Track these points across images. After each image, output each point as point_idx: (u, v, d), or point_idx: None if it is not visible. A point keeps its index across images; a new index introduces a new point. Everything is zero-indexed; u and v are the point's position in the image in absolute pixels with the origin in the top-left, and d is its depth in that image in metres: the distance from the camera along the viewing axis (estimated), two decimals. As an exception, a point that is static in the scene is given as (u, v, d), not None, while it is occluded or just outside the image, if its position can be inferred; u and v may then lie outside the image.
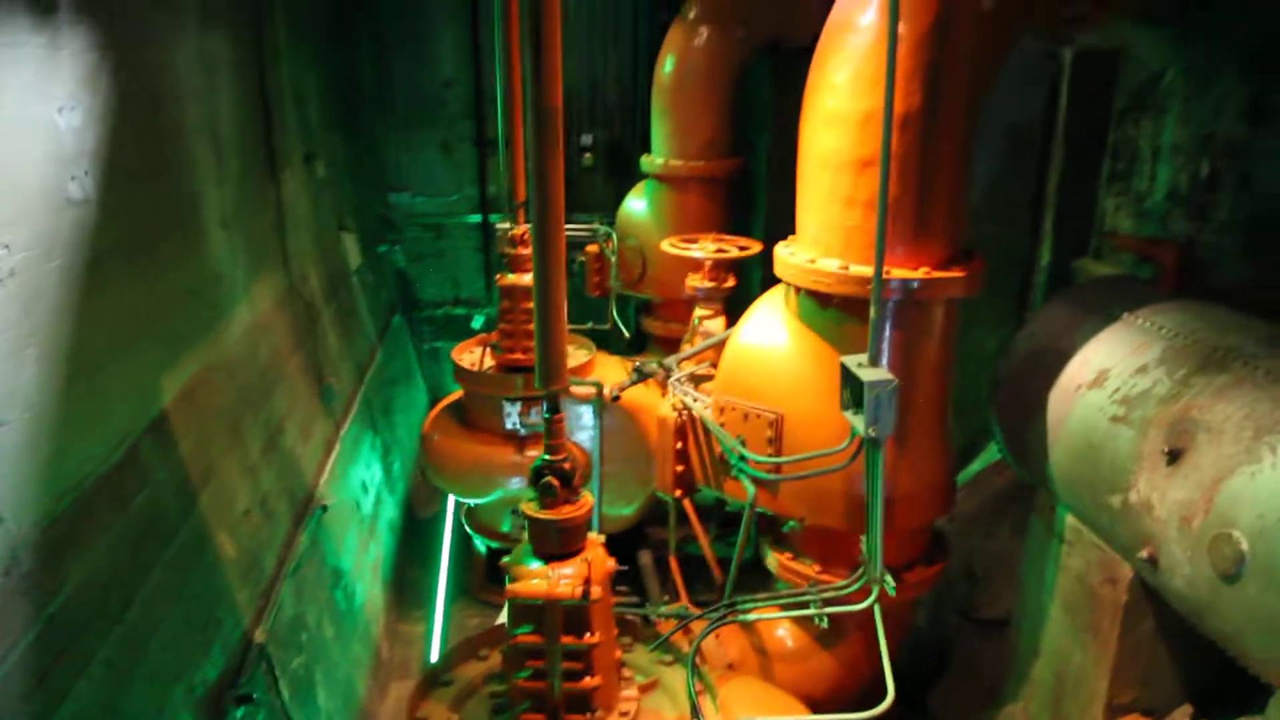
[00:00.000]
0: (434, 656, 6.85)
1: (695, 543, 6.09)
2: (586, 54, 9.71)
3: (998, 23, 3.80)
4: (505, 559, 3.31)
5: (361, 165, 9.48)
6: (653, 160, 7.88)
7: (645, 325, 8.55)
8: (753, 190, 8.38)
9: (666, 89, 7.64)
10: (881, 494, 3.63)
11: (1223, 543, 3.11)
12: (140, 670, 3.61)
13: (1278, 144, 4.20)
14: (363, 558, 6.77)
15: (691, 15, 7.45)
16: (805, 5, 6.14)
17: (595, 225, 8.27)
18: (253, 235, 5.83)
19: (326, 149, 8.05)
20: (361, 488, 7.24)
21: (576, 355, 6.94)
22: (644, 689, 3.66)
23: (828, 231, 4.07)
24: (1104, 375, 3.91)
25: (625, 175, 9.32)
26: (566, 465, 3.19)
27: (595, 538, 3.36)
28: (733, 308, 5.90)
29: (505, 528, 7.04)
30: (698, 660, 4.53)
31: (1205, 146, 4.62)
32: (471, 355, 6.95)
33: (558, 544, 3.21)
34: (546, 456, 3.20)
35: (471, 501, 7.13)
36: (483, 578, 7.69)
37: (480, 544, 7.57)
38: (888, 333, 4.06)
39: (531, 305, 6.05)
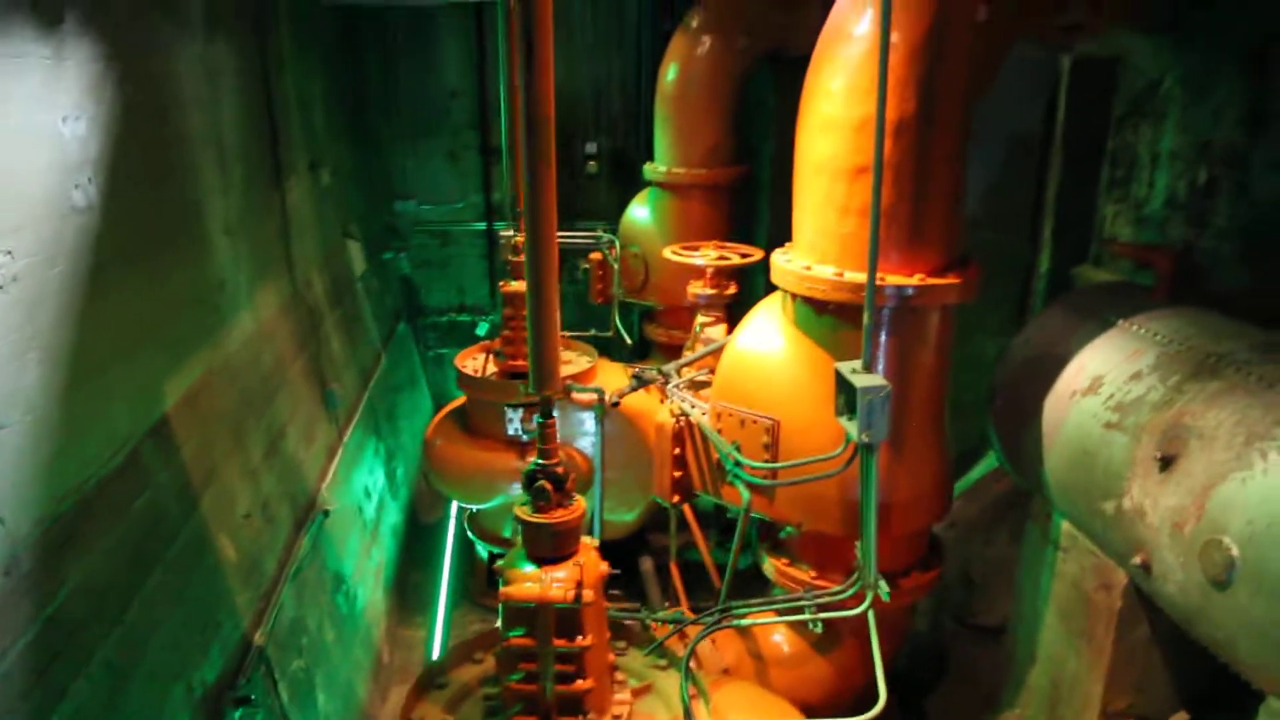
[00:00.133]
0: (435, 661, 6.88)
1: (696, 549, 6.11)
2: (591, 62, 9.78)
3: (992, 31, 3.82)
4: (499, 562, 3.33)
5: (367, 173, 9.56)
6: (655, 168, 7.92)
7: (648, 332, 8.58)
8: (756, 198, 8.42)
9: (669, 97, 7.69)
10: (875, 499, 3.64)
11: (1213, 549, 3.12)
12: (139, 670, 3.65)
13: (1275, 151, 4.21)
14: (365, 562, 6.80)
15: (694, 24, 7.50)
16: (807, 14, 6.18)
17: (598, 233, 8.32)
18: (257, 242, 5.89)
19: (332, 157, 8.12)
20: (364, 493, 7.28)
21: (578, 362, 6.98)
22: (638, 693, 3.68)
23: (823, 238, 4.10)
24: (1098, 382, 3.93)
25: (629, 183, 9.36)
26: (559, 469, 3.21)
27: (589, 542, 3.38)
28: (735, 315, 5.92)
29: (507, 533, 7.08)
30: (693, 665, 4.55)
31: (1203, 153, 4.63)
32: (475, 362, 6.99)
33: (550, 547, 3.23)
34: (539, 461, 3.23)
35: (474, 507, 7.16)
36: (484, 583, 7.72)
37: (482, 549, 7.60)
38: (883, 339, 4.08)
39: (533, 312, 6.14)
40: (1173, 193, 4.86)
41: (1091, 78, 5.33)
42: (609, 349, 7.83)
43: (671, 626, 4.17)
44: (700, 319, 6.39)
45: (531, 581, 3.18)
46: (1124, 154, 5.23)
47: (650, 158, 8.08)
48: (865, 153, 3.78)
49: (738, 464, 4.40)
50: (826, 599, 4.08)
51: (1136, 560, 3.53)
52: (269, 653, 4.67)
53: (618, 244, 8.14)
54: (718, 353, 5.15)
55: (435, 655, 6.99)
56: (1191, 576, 3.25)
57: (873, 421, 3.42)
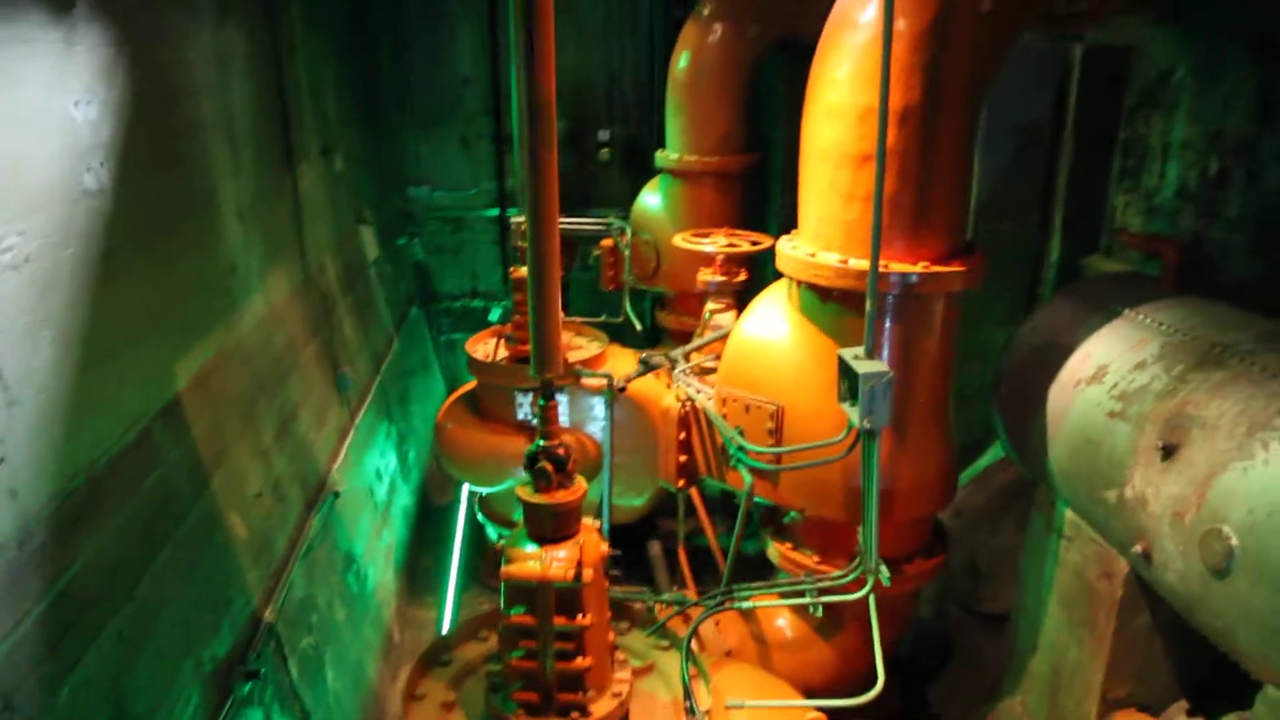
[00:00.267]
0: (444, 641, 6.96)
1: (705, 535, 6.15)
2: (603, 50, 9.77)
3: (997, 19, 3.81)
4: (501, 541, 3.38)
5: (381, 159, 9.60)
6: (667, 155, 7.93)
7: (660, 319, 8.62)
8: (769, 185, 8.41)
9: (681, 85, 7.69)
10: (877, 485, 3.67)
11: (1213, 538, 3.12)
12: (150, 644, 3.72)
13: (1287, 141, 4.19)
14: (375, 543, 6.88)
15: (706, 12, 7.49)
16: (818, 2, 6.15)
17: (610, 219, 8.34)
18: (268, 227, 5.94)
19: (344, 143, 8.16)
20: (375, 475, 7.35)
21: (589, 348, 7.01)
22: (639, 672, 3.73)
23: (828, 225, 4.11)
24: (1103, 371, 3.92)
25: (642, 170, 9.36)
26: (560, 451, 3.26)
27: (590, 523, 3.42)
28: (745, 302, 5.94)
29: (517, 516, 7.11)
30: (696, 647, 4.60)
31: (1214, 143, 4.60)
32: (485, 346, 7.04)
33: (551, 527, 3.28)
34: (541, 442, 3.27)
35: (484, 490, 7.22)
36: (493, 565, 7.73)
37: (492, 532, 7.66)
38: (887, 326, 4.10)
39: (544, 298, 6.18)
40: (1184, 183, 4.83)
41: (1103, 67, 5.30)
42: (621, 335, 7.85)
43: (674, 608, 4.22)
44: (710, 306, 6.41)
45: (532, 560, 3.23)
46: (1135, 144, 5.19)
47: (662, 145, 8.09)
48: (870, 140, 3.78)
49: (741, 449, 4.43)
50: (828, 583, 4.11)
51: (1137, 549, 3.54)
52: (279, 629, 4.75)
53: (629, 231, 8.16)
54: (725, 339, 5.18)
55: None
56: (1191, 565, 3.25)
57: (874, 408, 3.44)
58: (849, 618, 4.62)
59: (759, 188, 8.31)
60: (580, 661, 3.30)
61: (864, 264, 3.90)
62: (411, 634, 7.18)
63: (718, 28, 7.41)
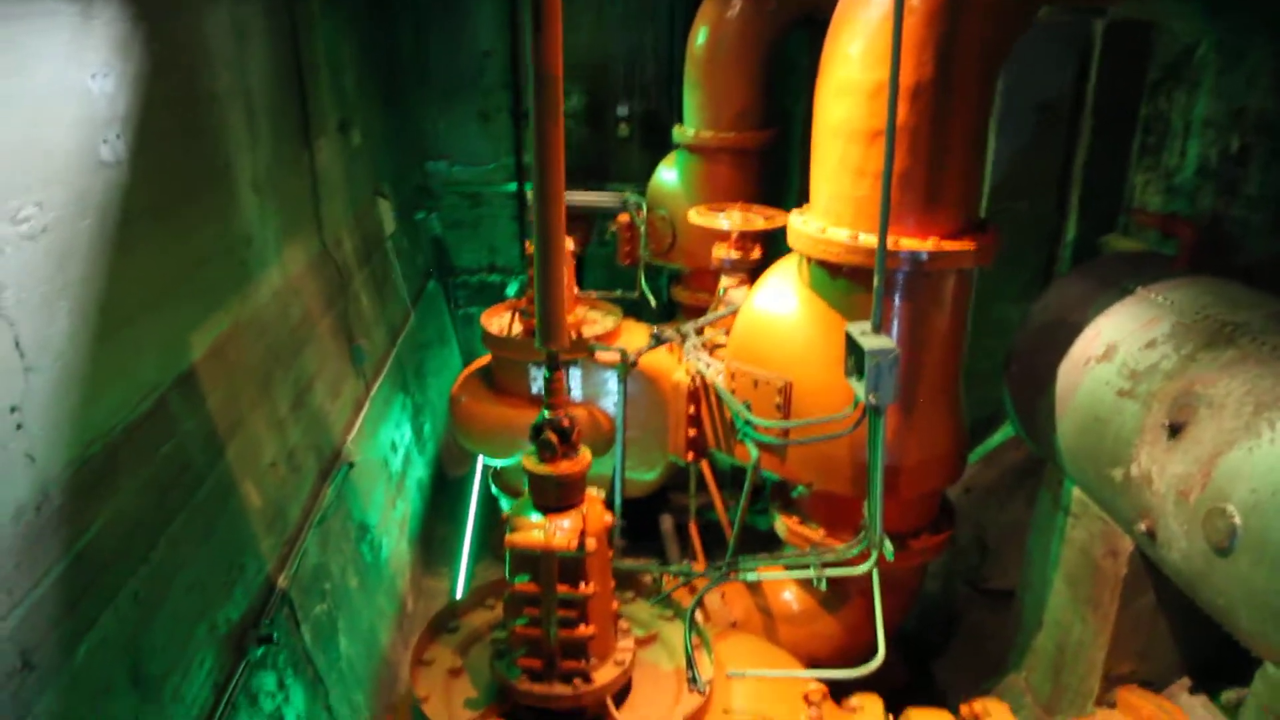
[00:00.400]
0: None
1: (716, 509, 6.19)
2: (624, 25, 9.73)
3: (1013, -8, 3.77)
4: (507, 510, 3.43)
5: (399, 133, 9.63)
6: (684, 131, 7.90)
7: (675, 294, 8.62)
8: (788, 161, 8.37)
9: (699, 60, 7.64)
10: (882, 460, 3.68)
11: (1216, 516, 3.12)
12: (165, 607, 3.82)
13: (1310, 118, 4.13)
14: (390, 514, 6.97)
15: (725, -13, 7.43)
16: (837, -25, 6.11)
17: (626, 195, 8.33)
18: (285, 199, 6.00)
19: (363, 117, 8.19)
20: (390, 446, 7.44)
21: (603, 322, 7.03)
22: (642, 642, 3.77)
23: (838, 201, 4.10)
24: (1113, 349, 3.90)
25: (661, 146, 9.33)
26: (565, 422, 3.29)
27: (594, 493, 3.46)
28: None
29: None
30: (701, 618, 4.64)
31: (1237, 120, 4.54)
32: (500, 320, 7.07)
33: (555, 497, 3.32)
34: (546, 413, 3.30)
35: (498, 462, 7.28)
36: (504, 536, 7.86)
37: (505, 504, 7.74)
38: (897, 303, 4.09)
39: (559, 272, 6.20)
40: (1204, 161, 4.77)
41: (1125, 43, 5.21)
42: (638, 311, 7.87)
43: (679, 579, 4.26)
44: (724, 281, 6.41)
45: (537, 530, 3.28)
46: (1156, 121, 5.12)
47: (681, 121, 8.06)
48: (882, 116, 3.75)
49: (747, 423, 4.45)
50: (832, 557, 4.14)
51: (1142, 527, 3.53)
52: (292, 596, 4.84)
53: (645, 206, 8.15)
54: (736, 314, 5.18)
55: (456, 605, 7.18)
56: (1195, 544, 3.25)
57: (880, 383, 3.44)
58: (855, 592, 4.65)
59: (779, 163, 8.27)
60: (583, 629, 3.34)
61: (874, 240, 3.88)
62: (425, 603, 7.29)
63: (736, 3, 7.36)
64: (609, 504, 5.76)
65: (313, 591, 5.17)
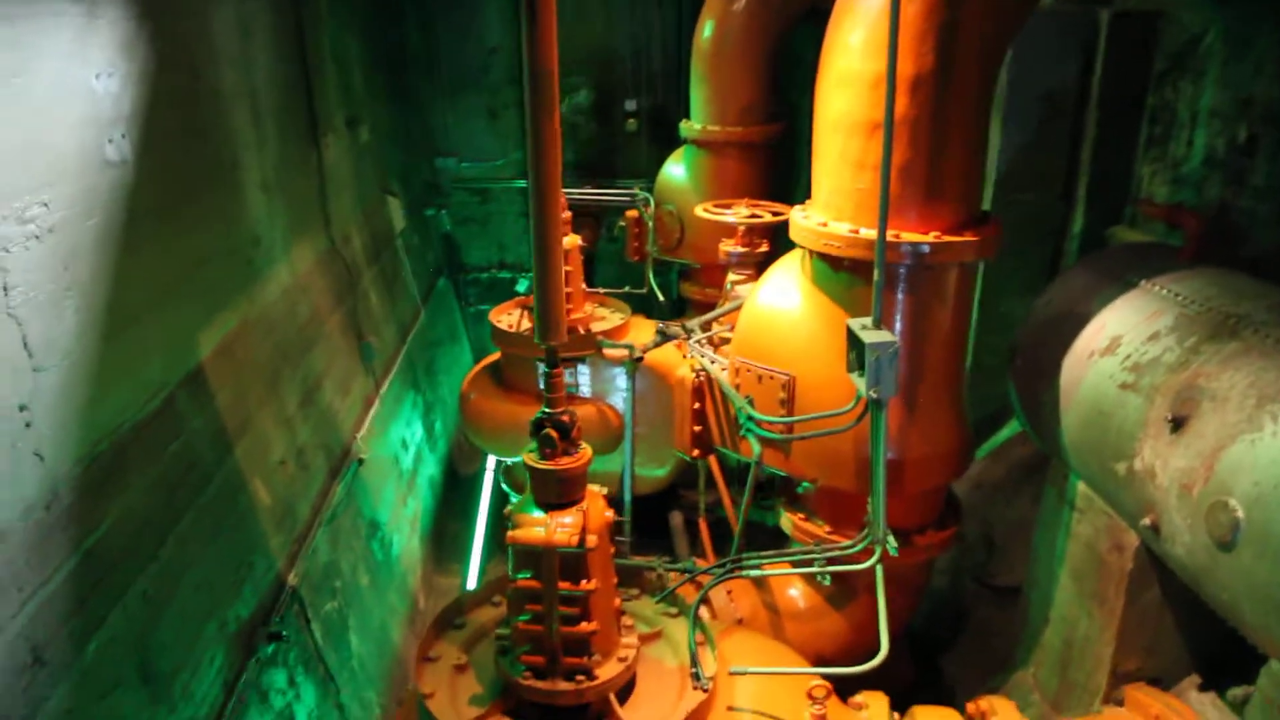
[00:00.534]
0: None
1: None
2: (631, 19, 9.70)
3: (1015, -18, 3.74)
4: (509, 507, 3.45)
5: (408, 130, 9.66)
6: (691, 126, 7.89)
7: (683, 290, 8.62)
8: (797, 155, 8.34)
9: (705, 54, 7.63)
10: (884, 455, 3.67)
11: (1219, 510, 3.10)
12: (174, 604, 3.86)
13: (1318, 107, 4.08)
14: (400, 511, 7.01)
15: (731, -21, 7.41)
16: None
17: (635, 190, 8.33)
18: (293, 197, 6.03)
19: (370, 114, 8.22)
20: (401, 444, 7.48)
21: (611, 319, 7.04)
22: (646, 638, 3.77)
23: (839, 195, 4.09)
24: (1116, 342, 3.88)
25: (669, 141, 9.32)
26: (564, 418, 3.30)
27: (595, 489, 3.47)
28: (767, 273, 5.92)
29: (538, 485, 7.21)
30: (707, 615, 4.65)
31: (1244, 110, 4.50)
32: (509, 317, 7.09)
33: (556, 493, 3.33)
34: (546, 409, 3.32)
35: (508, 459, 7.31)
36: (512, 533, 7.89)
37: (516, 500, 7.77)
38: (900, 297, 4.08)
39: (568, 268, 6.22)
40: (1211, 151, 4.73)
41: (1131, 33, 5.17)
42: (648, 307, 7.87)
43: (684, 576, 4.26)
44: (731, 277, 6.41)
45: (538, 526, 3.29)
46: (1163, 111, 5.08)
47: (688, 115, 8.04)
48: (882, 108, 3.73)
49: (750, 418, 4.45)
50: (836, 553, 4.13)
51: (1146, 521, 3.52)
52: (302, 593, 4.88)
53: (652, 202, 8.14)
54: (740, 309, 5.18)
55: (467, 602, 7.22)
56: (1198, 538, 3.23)
57: (881, 377, 3.44)
58: (861, 588, 4.65)
59: (787, 158, 8.24)
60: (585, 626, 3.35)
61: (875, 233, 3.87)
62: (437, 601, 7.32)
63: (742, -4, 7.34)
64: (619, 500, 5.81)
65: (323, 589, 5.21)
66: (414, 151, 9.86)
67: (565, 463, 3.31)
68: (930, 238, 3.90)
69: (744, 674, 3.64)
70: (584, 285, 6.56)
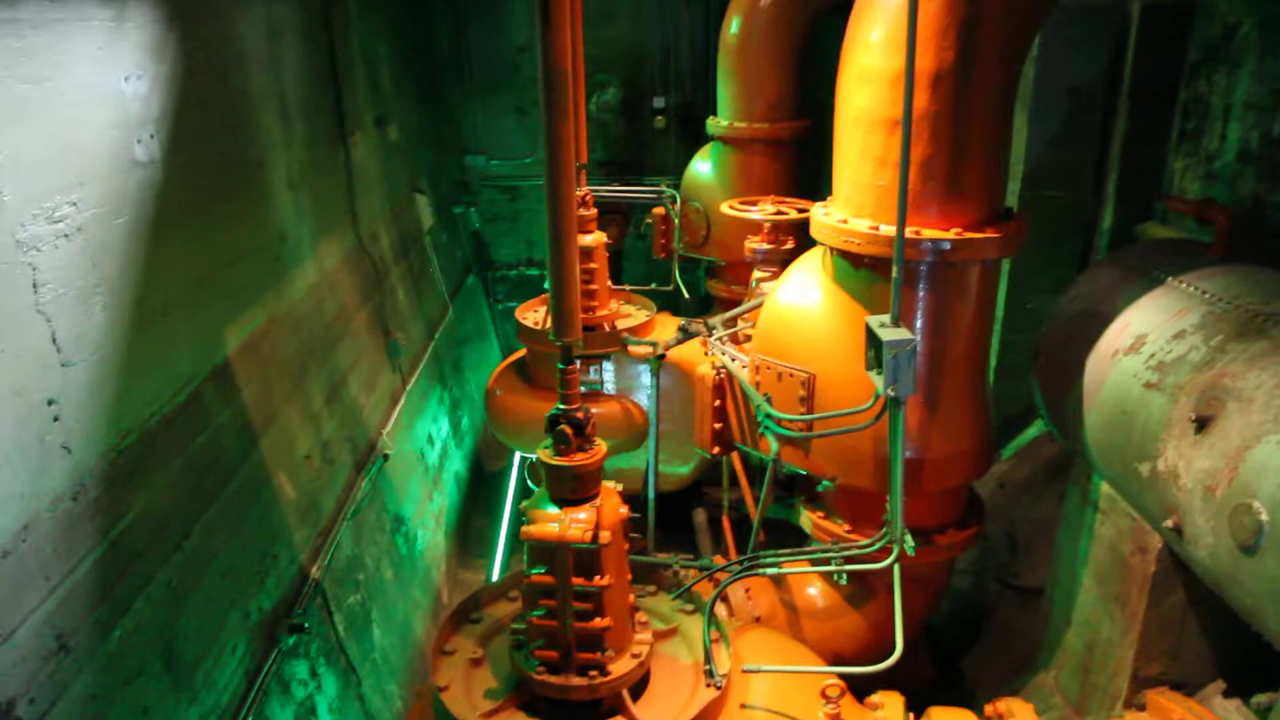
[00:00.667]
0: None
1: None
2: (660, 17, 9.70)
3: (1038, -25, 3.69)
4: (525, 502, 3.47)
5: (438, 129, 9.74)
6: (718, 122, 7.88)
7: (710, 287, 8.61)
8: (824, 151, 8.28)
9: (732, 50, 7.61)
10: (903, 454, 3.63)
11: (1242, 513, 3.04)
12: (198, 594, 3.93)
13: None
14: (426, 506, 7.08)
15: (758, -24, 7.38)
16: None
17: (662, 187, 8.33)
18: (320, 196, 6.11)
19: (399, 113, 8.30)
20: (427, 439, 7.55)
21: (637, 315, 7.05)
22: (661, 635, 3.78)
23: (860, 192, 4.06)
24: (1141, 340, 3.82)
25: (698, 138, 9.31)
26: (579, 414, 3.31)
27: (610, 486, 3.48)
28: (793, 270, 5.89)
29: (562, 481, 7.24)
30: (725, 613, 4.65)
31: (1279, 102, 4.41)
32: (535, 314, 7.13)
33: (571, 489, 3.34)
34: (561, 406, 3.33)
35: (532, 455, 7.35)
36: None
37: (541, 497, 7.80)
38: (921, 294, 4.04)
39: (592, 265, 6.23)
40: (1245, 144, 4.63)
41: (1163, 24, 5.08)
42: (675, 304, 7.87)
43: (700, 573, 4.26)
44: (757, 274, 6.38)
45: (552, 522, 3.30)
46: (1196, 105, 4.99)
47: (716, 112, 8.03)
48: (902, 104, 3.71)
49: (767, 415, 4.43)
50: (854, 552, 4.10)
51: (1169, 523, 3.46)
52: (325, 586, 4.95)
53: (678, 199, 8.14)
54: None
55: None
56: (1221, 541, 3.17)
57: (898, 375, 3.40)
58: (880, 587, 4.61)
59: (814, 154, 8.18)
60: (598, 622, 3.36)
61: (895, 230, 3.84)
62: (461, 595, 7.36)
63: (769, -8, 7.30)
64: (642, 497, 5.82)
65: (346, 582, 5.28)
66: (443, 150, 9.94)
67: (580, 459, 3.32)
68: (951, 235, 3.85)
69: (756, 672, 3.63)
70: (610, 282, 6.56)
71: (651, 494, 5.89)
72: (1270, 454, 3.00)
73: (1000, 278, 4.24)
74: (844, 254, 4.14)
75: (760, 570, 4.18)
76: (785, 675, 3.76)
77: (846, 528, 4.53)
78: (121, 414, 3.68)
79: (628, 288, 7.47)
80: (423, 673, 6.13)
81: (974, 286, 4.07)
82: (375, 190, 7.45)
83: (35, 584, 3.11)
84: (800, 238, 6.65)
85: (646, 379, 6.72)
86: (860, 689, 3.79)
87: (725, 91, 7.77)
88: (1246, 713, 3.64)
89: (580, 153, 6.49)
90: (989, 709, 3.78)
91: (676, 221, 8.16)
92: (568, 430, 3.31)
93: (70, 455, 3.35)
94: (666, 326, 7.15)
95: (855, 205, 4.09)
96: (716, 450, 5.24)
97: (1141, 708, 3.80)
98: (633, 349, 6.44)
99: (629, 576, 3.57)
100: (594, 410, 6.40)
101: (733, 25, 7.52)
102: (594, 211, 6.19)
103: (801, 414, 4.38)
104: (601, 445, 3.39)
